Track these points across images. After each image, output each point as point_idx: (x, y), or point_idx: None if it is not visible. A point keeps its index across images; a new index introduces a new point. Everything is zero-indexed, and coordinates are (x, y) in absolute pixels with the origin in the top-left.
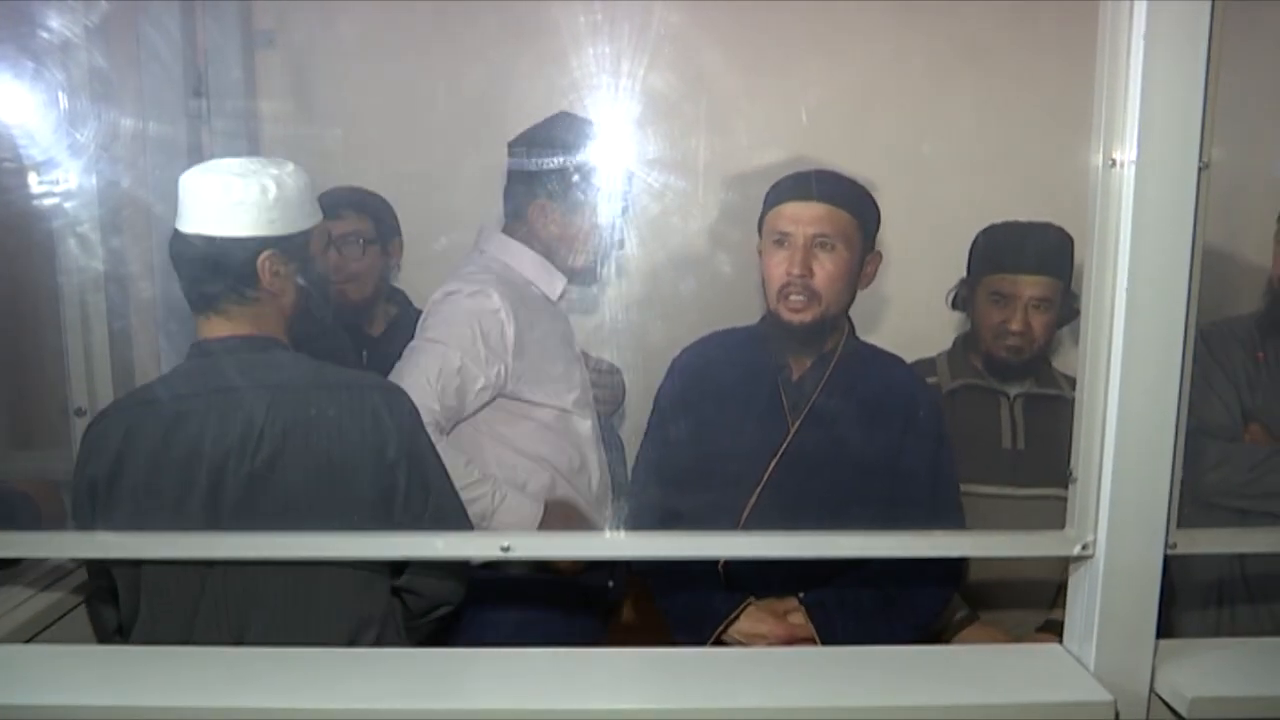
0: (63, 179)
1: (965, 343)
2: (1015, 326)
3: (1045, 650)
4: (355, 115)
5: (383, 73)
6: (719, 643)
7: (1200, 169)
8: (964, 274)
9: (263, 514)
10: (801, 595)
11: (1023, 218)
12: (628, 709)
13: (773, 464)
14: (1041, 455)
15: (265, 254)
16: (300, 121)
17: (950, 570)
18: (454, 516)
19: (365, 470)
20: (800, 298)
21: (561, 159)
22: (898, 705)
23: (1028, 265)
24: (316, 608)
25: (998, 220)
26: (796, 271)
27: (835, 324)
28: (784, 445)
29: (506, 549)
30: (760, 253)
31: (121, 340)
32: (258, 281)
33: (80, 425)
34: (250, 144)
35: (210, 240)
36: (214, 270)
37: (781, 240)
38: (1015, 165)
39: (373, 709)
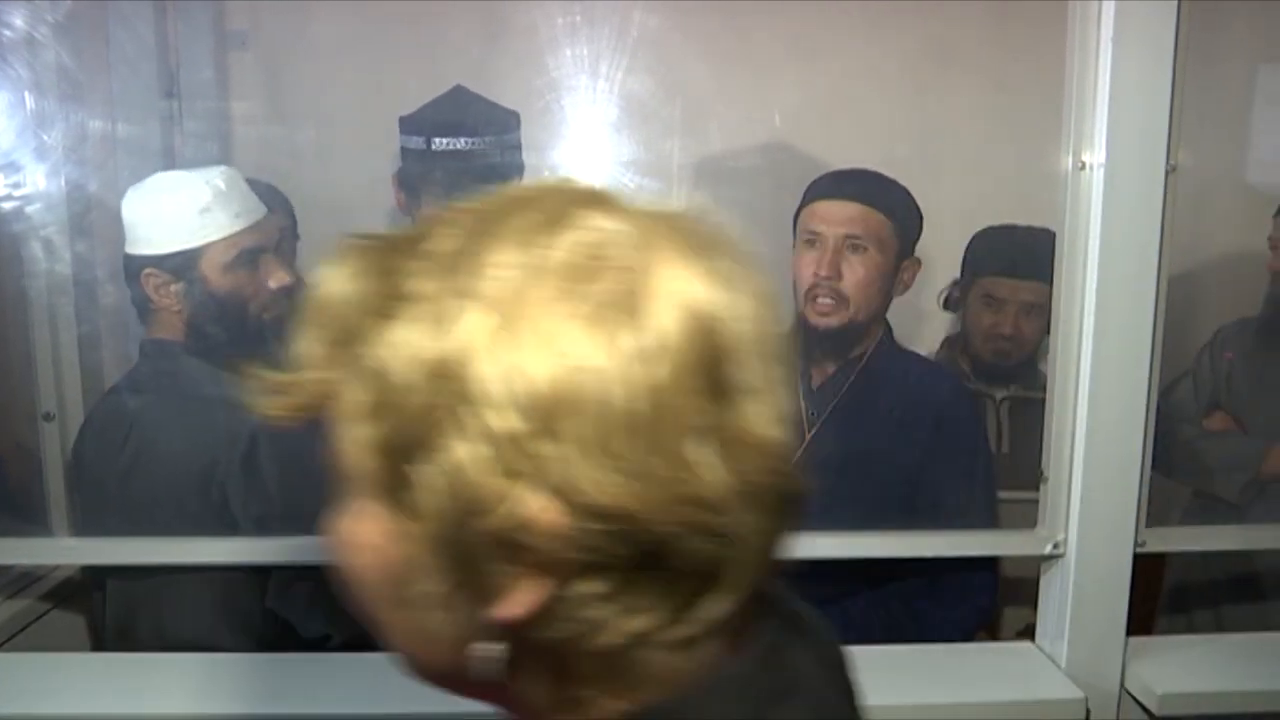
0: (29, 181)
1: (952, 345)
2: (1006, 330)
3: (1017, 648)
4: (329, 116)
5: (357, 73)
6: None
7: (1168, 171)
8: (950, 274)
9: (123, 519)
10: None
11: (995, 220)
12: None
13: None
14: (1026, 458)
15: (145, 271)
16: (273, 123)
17: (973, 619)
18: None
19: (203, 485)
20: (828, 300)
21: None
22: (868, 704)
23: (1022, 270)
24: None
25: (980, 224)
26: (824, 273)
27: (864, 330)
28: (797, 455)
29: None
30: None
31: (90, 344)
32: (146, 296)
33: (49, 430)
34: (222, 145)
35: (123, 254)
36: (126, 282)
37: (812, 240)
38: (989, 168)
39: (370, 712)
